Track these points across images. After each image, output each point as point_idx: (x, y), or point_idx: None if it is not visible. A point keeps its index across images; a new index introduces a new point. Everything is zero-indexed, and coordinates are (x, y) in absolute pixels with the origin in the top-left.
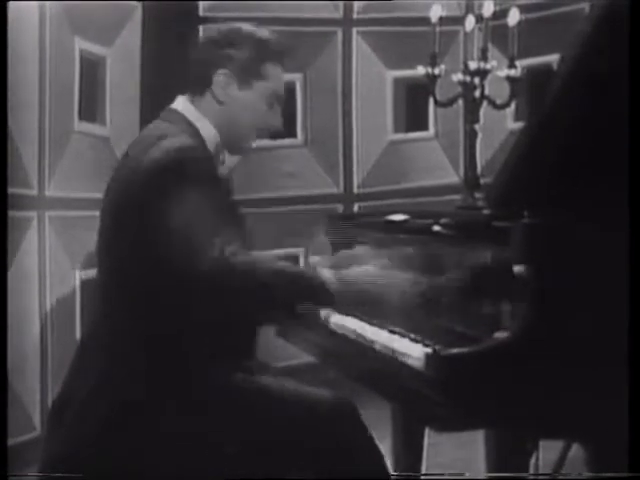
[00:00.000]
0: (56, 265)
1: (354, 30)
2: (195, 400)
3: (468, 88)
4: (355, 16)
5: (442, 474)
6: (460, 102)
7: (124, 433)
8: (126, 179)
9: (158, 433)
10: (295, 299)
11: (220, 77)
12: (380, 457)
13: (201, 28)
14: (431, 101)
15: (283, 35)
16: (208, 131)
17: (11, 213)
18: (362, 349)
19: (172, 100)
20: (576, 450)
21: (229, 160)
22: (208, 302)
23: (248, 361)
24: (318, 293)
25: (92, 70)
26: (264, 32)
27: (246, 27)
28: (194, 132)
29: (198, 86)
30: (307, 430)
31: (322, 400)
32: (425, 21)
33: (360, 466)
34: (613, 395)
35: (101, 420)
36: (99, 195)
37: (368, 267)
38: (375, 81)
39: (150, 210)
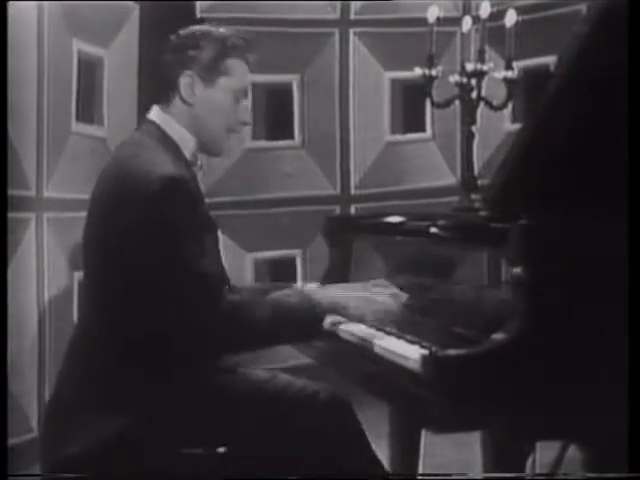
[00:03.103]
0: (54, 266)
1: (351, 31)
2: (186, 397)
3: (465, 89)
4: (352, 17)
5: (439, 475)
6: (457, 103)
7: (118, 433)
8: (109, 195)
9: (153, 432)
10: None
11: (186, 79)
12: (371, 452)
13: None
14: (428, 102)
15: (247, 32)
16: (183, 138)
17: (9, 214)
18: (359, 350)
19: None
20: (573, 451)
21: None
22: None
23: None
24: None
25: (90, 71)
26: (221, 30)
27: (202, 28)
28: (169, 142)
29: (167, 92)
30: (300, 424)
31: (316, 394)
32: (422, 22)
33: (352, 460)
34: (611, 396)
35: (92, 420)
36: None
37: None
38: (372, 82)
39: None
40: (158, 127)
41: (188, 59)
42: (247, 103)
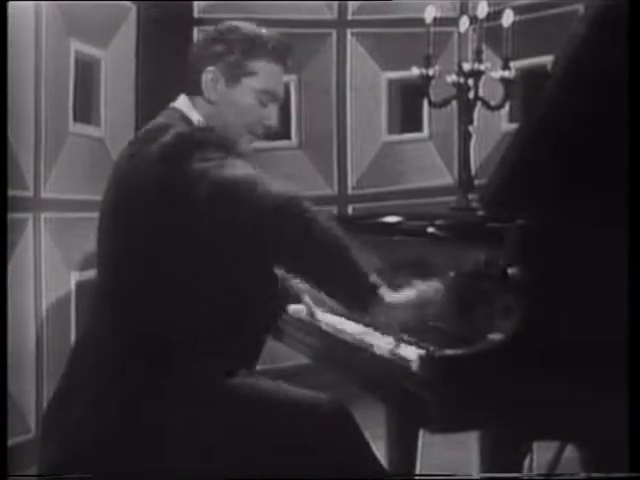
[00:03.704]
0: (51, 267)
1: (348, 31)
2: (191, 401)
3: (462, 89)
4: (349, 17)
5: (436, 475)
6: (454, 103)
7: (122, 434)
8: (135, 170)
9: (156, 434)
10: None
11: (208, 75)
12: (375, 459)
13: (195, 29)
14: (425, 102)
15: (283, 35)
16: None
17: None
18: (356, 351)
19: (167, 101)
20: (570, 451)
21: None
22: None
23: (251, 365)
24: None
25: (87, 71)
26: (256, 29)
27: (236, 24)
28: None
29: (191, 86)
30: (302, 433)
31: (317, 403)
32: (419, 22)
33: (355, 468)
34: (608, 396)
35: (98, 421)
36: (94, 197)
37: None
38: (369, 82)
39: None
40: (184, 114)
41: (214, 55)
42: (275, 107)
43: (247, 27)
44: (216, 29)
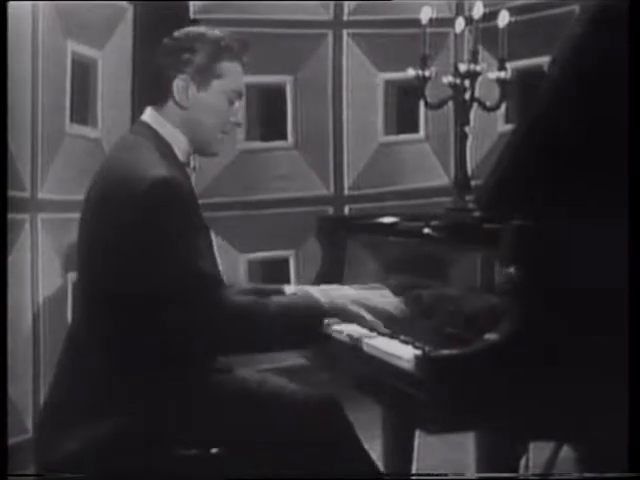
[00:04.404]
0: (48, 267)
1: (344, 32)
2: (179, 399)
3: (458, 90)
4: (346, 18)
5: (433, 475)
6: (450, 104)
7: (111, 434)
8: (102, 197)
9: (145, 433)
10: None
11: (180, 83)
12: (365, 454)
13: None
14: (421, 103)
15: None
16: (176, 139)
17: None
18: (353, 351)
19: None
20: (567, 451)
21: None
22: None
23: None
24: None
25: (84, 72)
26: (215, 32)
27: (197, 30)
28: (164, 144)
29: (160, 95)
30: (292, 427)
31: (306, 397)
32: (416, 23)
33: (345, 462)
34: (605, 396)
35: (86, 422)
36: None
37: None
38: (366, 83)
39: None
40: (150, 128)
41: (182, 62)
42: (239, 104)
43: (209, 31)
44: (178, 38)
